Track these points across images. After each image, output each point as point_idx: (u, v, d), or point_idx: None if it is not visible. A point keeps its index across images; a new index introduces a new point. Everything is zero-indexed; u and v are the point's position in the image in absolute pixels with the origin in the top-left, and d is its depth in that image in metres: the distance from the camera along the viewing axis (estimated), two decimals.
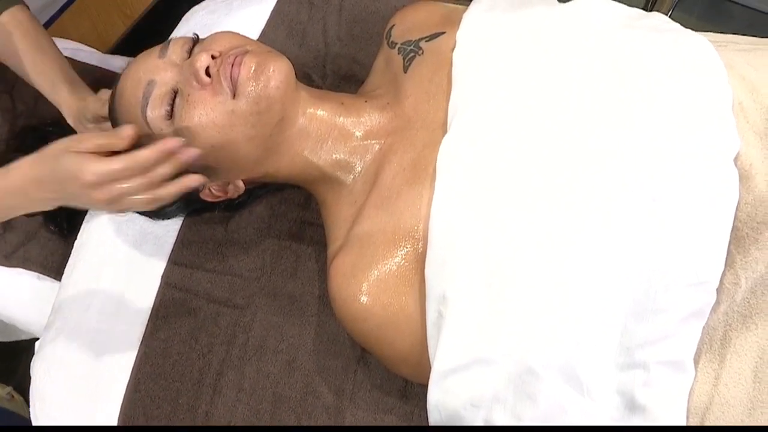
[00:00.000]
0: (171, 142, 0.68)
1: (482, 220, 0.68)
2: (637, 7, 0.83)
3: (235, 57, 0.73)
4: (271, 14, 1.03)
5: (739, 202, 0.68)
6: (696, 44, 0.76)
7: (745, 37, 0.86)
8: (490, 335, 0.67)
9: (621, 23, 0.79)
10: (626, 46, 0.75)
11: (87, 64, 1.13)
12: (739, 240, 0.68)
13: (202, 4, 1.08)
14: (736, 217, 0.68)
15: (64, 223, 0.98)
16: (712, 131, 0.69)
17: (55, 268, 0.98)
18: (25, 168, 0.69)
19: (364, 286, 0.72)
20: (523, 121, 0.71)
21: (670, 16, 1.37)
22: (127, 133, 0.69)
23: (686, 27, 0.83)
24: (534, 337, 0.65)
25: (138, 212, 0.90)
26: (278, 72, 0.73)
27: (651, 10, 1.38)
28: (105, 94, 0.86)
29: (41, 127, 1.00)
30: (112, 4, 1.50)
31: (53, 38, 1.16)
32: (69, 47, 1.16)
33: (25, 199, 0.70)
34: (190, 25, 1.04)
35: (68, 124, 0.89)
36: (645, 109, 0.70)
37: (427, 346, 0.71)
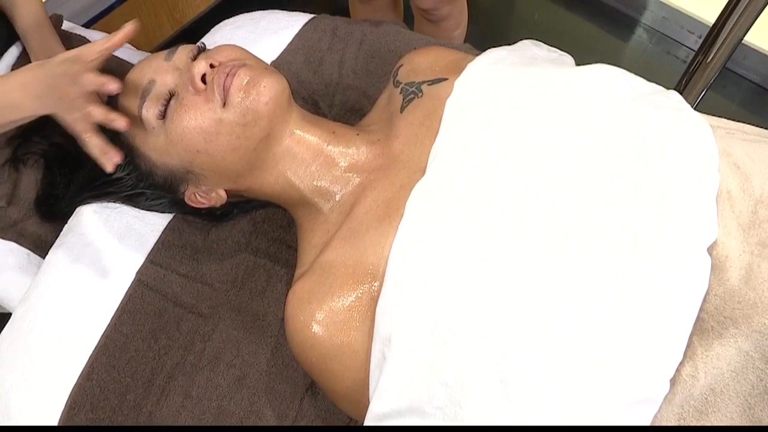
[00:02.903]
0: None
1: (440, 268, 0.68)
2: (670, 84, 0.83)
3: (231, 68, 0.75)
4: (293, 38, 1.06)
5: (708, 293, 0.66)
6: (694, 127, 0.74)
7: (756, 128, 0.84)
8: (426, 386, 0.66)
9: (628, 95, 0.78)
10: (625, 118, 0.74)
11: (117, 57, 1.18)
12: (703, 332, 0.65)
13: (231, 19, 1.11)
14: (702, 308, 0.65)
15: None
16: (690, 217, 0.67)
17: (45, 248, 1.01)
18: (33, 68, 0.77)
19: (317, 314, 0.72)
20: (506, 173, 0.71)
21: (705, 95, 1.36)
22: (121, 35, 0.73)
23: (724, 113, 0.82)
24: (469, 396, 0.64)
25: (126, 204, 0.92)
26: (269, 89, 0.75)
27: (682, 90, 1.36)
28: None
29: None
30: (163, 6, 1.57)
31: (99, 32, 1.22)
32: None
33: (20, 94, 0.76)
34: (215, 37, 1.07)
35: None
36: (628, 186, 0.68)
37: (369, 386, 0.70)
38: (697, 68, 1.32)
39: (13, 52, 1.14)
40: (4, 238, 1.02)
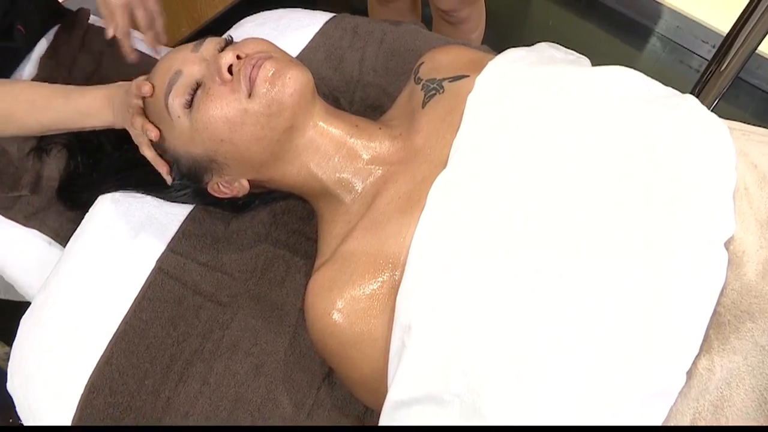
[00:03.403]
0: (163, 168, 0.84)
1: (460, 258, 0.69)
2: (685, 89, 0.84)
3: (258, 59, 0.76)
4: (315, 36, 1.07)
5: (725, 287, 0.66)
6: (711, 127, 0.75)
7: None
8: (445, 373, 0.66)
9: (642, 96, 0.79)
10: (636, 119, 0.74)
11: (141, 53, 1.20)
12: (719, 326, 0.66)
13: (253, 16, 1.13)
14: (719, 302, 0.66)
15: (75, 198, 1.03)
16: (704, 212, 0.68)
17: (66, 237, 1.02)
18: (118, 84, 0.87)
19: (337, 302, 0.73)
20: (522, 170, 0.72)
21: (717, 105, 1.36)
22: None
23: (737, 120, 0.83)
24: (487, 384, 0.64)
25: (150, 194, 0.94)
26: (294, 80, 0.76)
27: (697, 96, 1.37)
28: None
29: None
30: (181, 5, 1.59)
31: None
32: None
33: (102, 104, 0.87)
34: (237, 33, 1.09)
35: None
36: (638, 186, 0.69)
37: (387, 374, 0.71)
38: (710, 77, 1.33)
39: (42, 44, 1.16)
40: (26, 226, 1.04)
